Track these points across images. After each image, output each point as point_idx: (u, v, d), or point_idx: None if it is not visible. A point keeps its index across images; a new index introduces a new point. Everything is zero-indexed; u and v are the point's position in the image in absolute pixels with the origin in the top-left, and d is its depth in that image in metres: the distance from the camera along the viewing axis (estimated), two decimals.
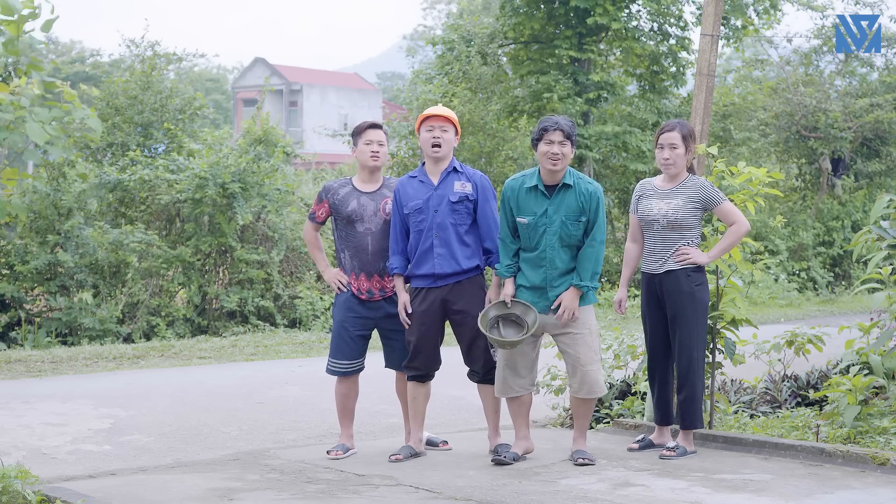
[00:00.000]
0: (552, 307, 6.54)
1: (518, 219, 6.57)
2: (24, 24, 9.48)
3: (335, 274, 6.95)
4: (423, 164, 6.88)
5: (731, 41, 21.39)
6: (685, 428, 6.88)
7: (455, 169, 6.79)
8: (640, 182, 7.10)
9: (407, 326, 6.79)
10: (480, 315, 6.55)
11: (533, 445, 6.82)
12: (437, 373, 6.93)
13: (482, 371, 6.80)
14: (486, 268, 6.92)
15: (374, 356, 7.16)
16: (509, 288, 6.62)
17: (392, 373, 7.15)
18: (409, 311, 6.77)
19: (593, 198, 6.53)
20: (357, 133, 6.98)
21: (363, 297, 6.88)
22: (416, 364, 6.78)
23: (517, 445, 6.76)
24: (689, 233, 6.80)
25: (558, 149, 6.47)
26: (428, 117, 6.79)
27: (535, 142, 6.57)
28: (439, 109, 6.82)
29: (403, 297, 6.79)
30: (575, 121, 19.50)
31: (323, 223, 7.09)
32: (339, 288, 6.93)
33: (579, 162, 19.86)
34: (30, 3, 9.29)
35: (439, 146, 6.75)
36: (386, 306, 6.90)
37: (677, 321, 6.79)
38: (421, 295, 6.75)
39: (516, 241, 6.62)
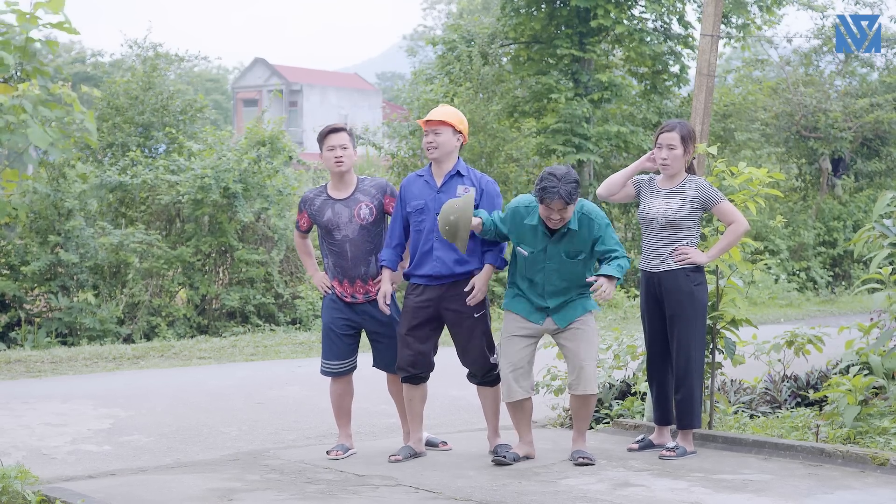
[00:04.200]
0: (592, 288, 6.44)
1: (518, 248, 6.60)
2: (31, 28, 9.47)
3: (322, 278, 7.01)
4: (431, 164, 6.90)
5: (735, 39, 21.38)
6: (682, 428, 6.88)
7: (459, 172, 6.78)
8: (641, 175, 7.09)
9: (387, 313, 6.80)
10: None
11: (534, 452, 6.80)
12: (436, 373, 6.92)
13: (480, 373, 6.80)
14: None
15: (372, 357, 7.16)
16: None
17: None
18: (388, 301, 6.79)
19: (595, 226, 6.51)
20: (320, 139, 6.95)
21: (347, 300, 6.90)
22: (404, 361, 6.74)
23: (519, 449, 6.75)
24: (688, 232, 6.81)
25: (559, 215, 6.41)
26: (424, 121, 6.80)
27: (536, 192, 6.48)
28: (431, 113, 6.80)
29: (385, 287, 6.79)
30: (579, 122, 19.52)
31: (307, 231, 7.12)
32: (325, 291, 6.96)
33: (579, 163, 19.87)
34: (56, 4, 9.27)
35: (434, 149, 6.76)
36: (370, 310, 6.91)
37: (676, 321, 6.79)
38: (417, 290, 6.76)
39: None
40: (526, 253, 6.55)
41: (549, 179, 6.30)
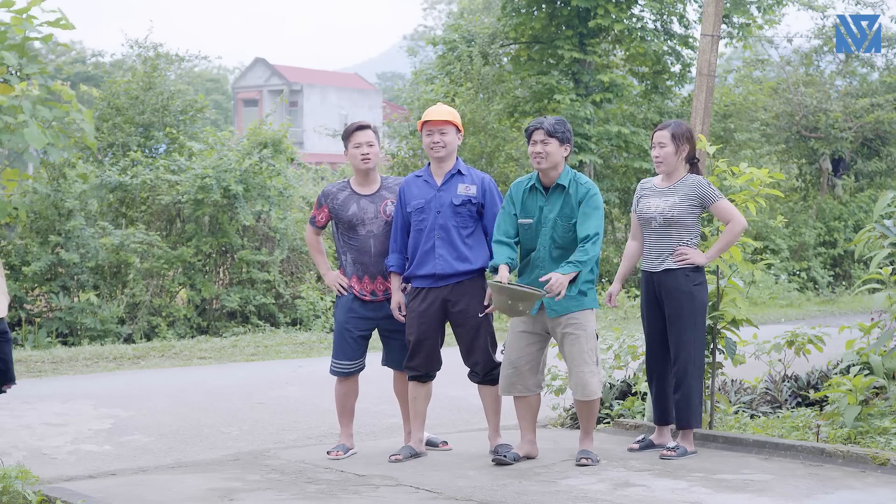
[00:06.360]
0: (541, 279, 6.44)
1: (521, 220, 6.62)
2: (29, 28, 9.46)
3: (335, 277, 6.97)
4: (430, 164, 6.89)
5: (735, 39, 21.39)
6: (680, 427, 6.88)
7: (460, 171, 6.79)
8: (641, 181, 7.13)
9: (403, 320, 6.81)
10: (490, 283, 6.42)
11: (536, 451, 6.80)
12: (437, 373, 6.93)
13: (482, 372, 6.81)
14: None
15: (374, 356, 7.16)
16: (504, 273, 6.52)
17: (391, 372, 7.15)
18: (403, 312, 6.80)
19: (585, 196, 6.54)
20: (346, 136, 6.95)
21: (366, 298, 6.89)
22: (415, 363, 6.79)
23: (520, 447, 6.75)
24: (688, 232, 6.80)
25: (541, 147, 6.55)
26: (427, 121, 6.79)
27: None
28: (436, 113, 6.79)
29: (398, 297, 6.80)
30: (581, 122, 19.52)
31: (324, 227, 7.09)
32: (339, 291, 6.94)
33: (580, 164, 19.87)
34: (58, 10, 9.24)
35: (442, 148, 6.76)
36: (387, 306, 6.91)
37: (675, 320, 6.79)
38: (421, 295, 6.76)
39: (513, 241, 6.63)
40: (529, 221, 6.59)
41: (531, 122, 6.69)
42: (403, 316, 6.82)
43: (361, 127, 6.94)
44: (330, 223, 7.06)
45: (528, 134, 6.63)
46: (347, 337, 6.93)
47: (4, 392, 6.82)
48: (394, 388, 7.17)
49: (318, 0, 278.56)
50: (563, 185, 6.58)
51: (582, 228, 6.51)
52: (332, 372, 7.03)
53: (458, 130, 6.84)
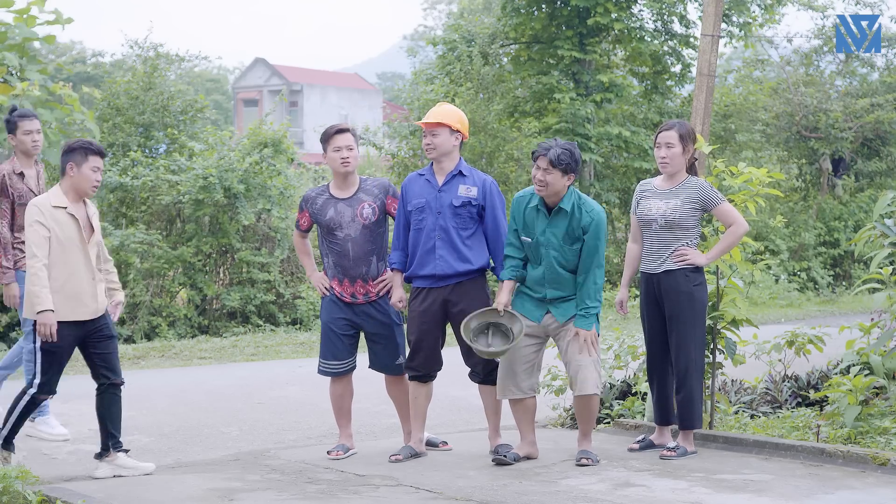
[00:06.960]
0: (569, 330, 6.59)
1: (522, 237, 6.61)
2: (29, 29, 9.46)
3: (319, 278, 7.00)
4: (433, 163, 6.90)
5: (736, 38, 21.40)
6: (683, 428, 6.88)
7: (461, 172, 6.78)
8: (641, 182, 7.12)
9: (402, 306, 6.83)
10: (463, 323, 6.53)
11: (537, 452, 6.80)
12: (437, 373, 6.93)
13: (483, 372, 6.81)
14: (489, 271, 6.93)
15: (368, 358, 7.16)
16: (504, 296, 6.60)
17: None
18: (403, 304, 6.83)
19: (590, 226, 6.51)
20: (325, 139, 6.92)
21: (347, 300, 6.90)
22: (416, 364, 6.79)
23: (521, 448, 6.75)
24: (688, 233, 6.80)
25: (542, 175, 6.46)
26: (423, 123, 6.80)
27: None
28: (429, 114, 6.80)
29: (398, 293, 6.81)
30: (581, 121, 19.52)
31: (307, 231, 7.11)
32: (323, 292, 6.96)
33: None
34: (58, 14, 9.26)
35: (433, 150, 6.76)
36: (370, 311, 6.91)
37: (675, 321, 6.79)
38: (422, 295, 6.76)
39: (520, 256, 6.65)
40: (530, 240, 6.57)
41: (548, 141, 6.55)
42: (410, 314, 6.84)
43: (341, 130, 6.91)
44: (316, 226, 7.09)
45: (534, 157, 6.55)
46: (333, 336, 6.94)
47: (116, 386, 6.57)
48: (387, 392, 7.18)
49: (318, 0, 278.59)
50: (565, 210, 6.53)
51: (584, 265, 6.53)
52: (321, 372, 7.03)
53: (456, 131, 6.80)
